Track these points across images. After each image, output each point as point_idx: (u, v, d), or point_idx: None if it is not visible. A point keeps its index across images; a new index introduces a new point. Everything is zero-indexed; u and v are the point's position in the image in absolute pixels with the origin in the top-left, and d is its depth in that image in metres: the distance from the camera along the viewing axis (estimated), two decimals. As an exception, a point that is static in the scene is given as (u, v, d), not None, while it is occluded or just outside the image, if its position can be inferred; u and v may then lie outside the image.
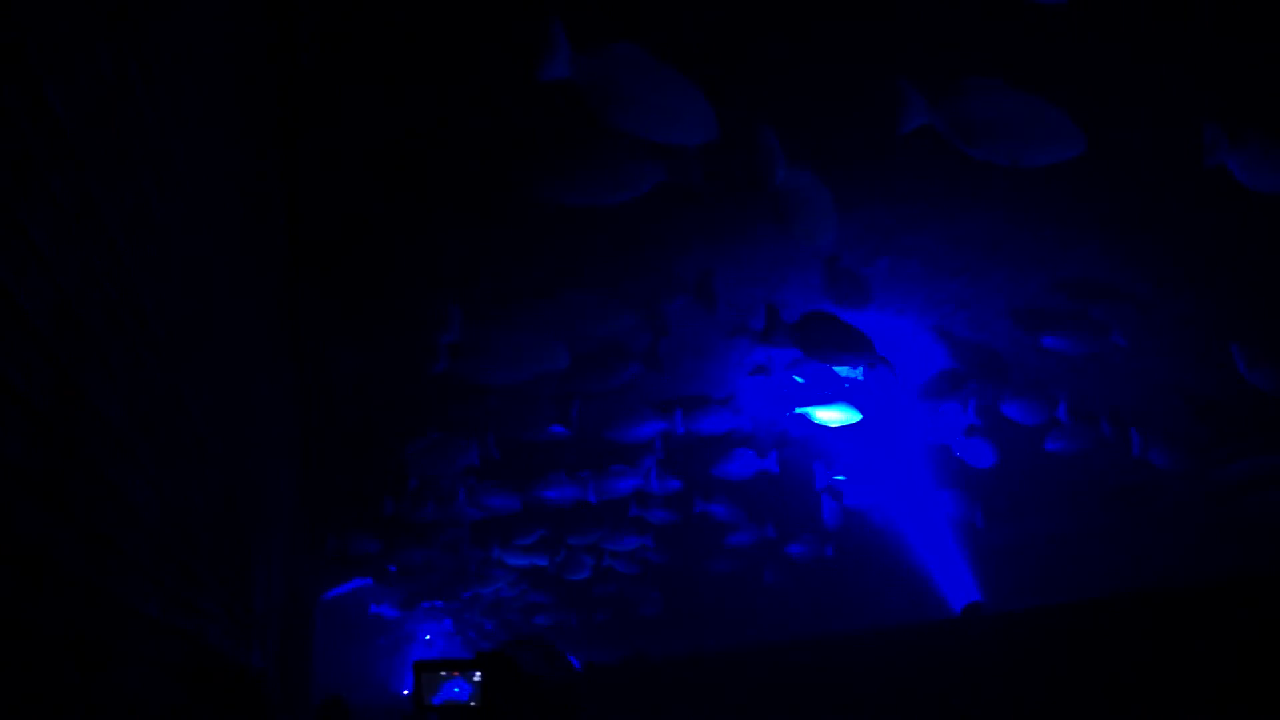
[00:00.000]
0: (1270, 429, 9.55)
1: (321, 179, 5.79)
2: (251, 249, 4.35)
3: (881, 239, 7.55)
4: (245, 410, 4.52)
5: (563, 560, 14.50)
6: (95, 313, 1.91)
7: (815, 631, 15.35)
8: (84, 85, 1.76)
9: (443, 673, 2.04)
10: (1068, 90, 5.06)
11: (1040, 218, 7.30)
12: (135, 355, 2.24)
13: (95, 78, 1.83)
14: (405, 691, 25.56)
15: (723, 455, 10.05)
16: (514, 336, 6.79)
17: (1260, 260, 7.54)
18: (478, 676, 1.98)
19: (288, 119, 4.88)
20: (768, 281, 7.89)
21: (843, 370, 8.22)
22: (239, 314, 4.03)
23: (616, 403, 9.33)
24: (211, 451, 3.51)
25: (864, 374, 8.37)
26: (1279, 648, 6.22)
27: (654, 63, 4.49)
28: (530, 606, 19.51)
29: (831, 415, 8.80)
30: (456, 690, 2.02)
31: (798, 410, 8.75)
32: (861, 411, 8.89)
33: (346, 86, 5.08)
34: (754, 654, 15.80)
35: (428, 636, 26.20)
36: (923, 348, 9.08)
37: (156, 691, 2.64)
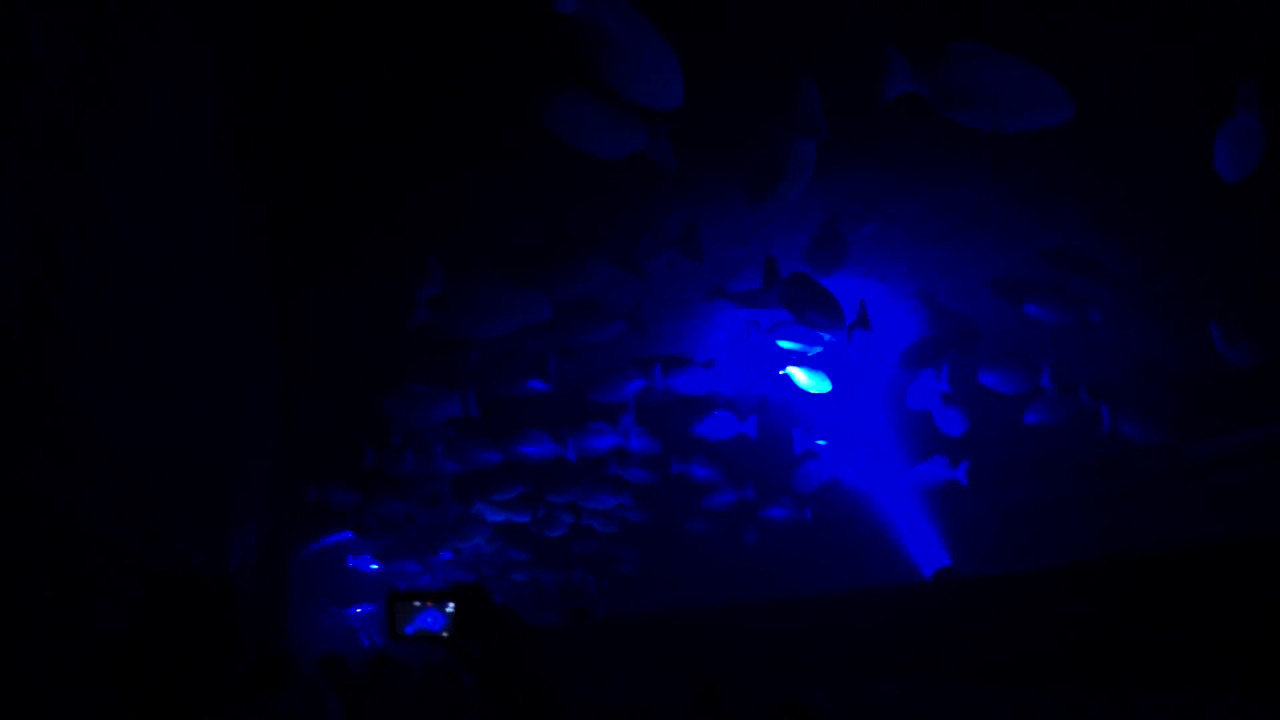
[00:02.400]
0: (1245, 405, 9.66)
1: (304, 124, 5.77)
2: (233, 190, 4.35)
3: (866, 205, 7.58)
4: (224, 353, 4.53)
5: (542, 517, 14.58)
6: (69, 239, 1.92)
7: (791, 592, 15.53)
8: (61, 8, 1.77)
9: (416, 603, 2.07)
10: (1054, 56, 5.06)
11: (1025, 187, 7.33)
12: (110, 287, 2.26)
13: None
14: (366, 643, 25.68)
15: (702, 415, 10.11)
16: (496, 289, 6.80)
17: (1240, 237, 7.60)
18: (451, 608, 2.01)
19: (270, 57, 4.87)
20: (751, 242, 7.92)
21: (815, 339, 8.22)
22: (219, 256, 4.04)
23: (597, 361, 9.37)
24: (189, 391, 3.54)
25: (844, 340, 8.37)
26: (1239, 610, 6.35)
27: (639, 16, 4.50)
28: (508, 563, 19.62)
29: (803, 378, 8.80)
30: (429, 620, 2.04)
31: (784, 371, 8.74)
32: (835, 379, 8.96)
33: (332, 26, 5.06)
34: (725, 612, 15.97)
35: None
36: (904, 314, 9.13)
37: (132, 623, 2.67)
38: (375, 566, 21.61)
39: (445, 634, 2.05)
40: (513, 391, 8.51)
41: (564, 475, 12.55)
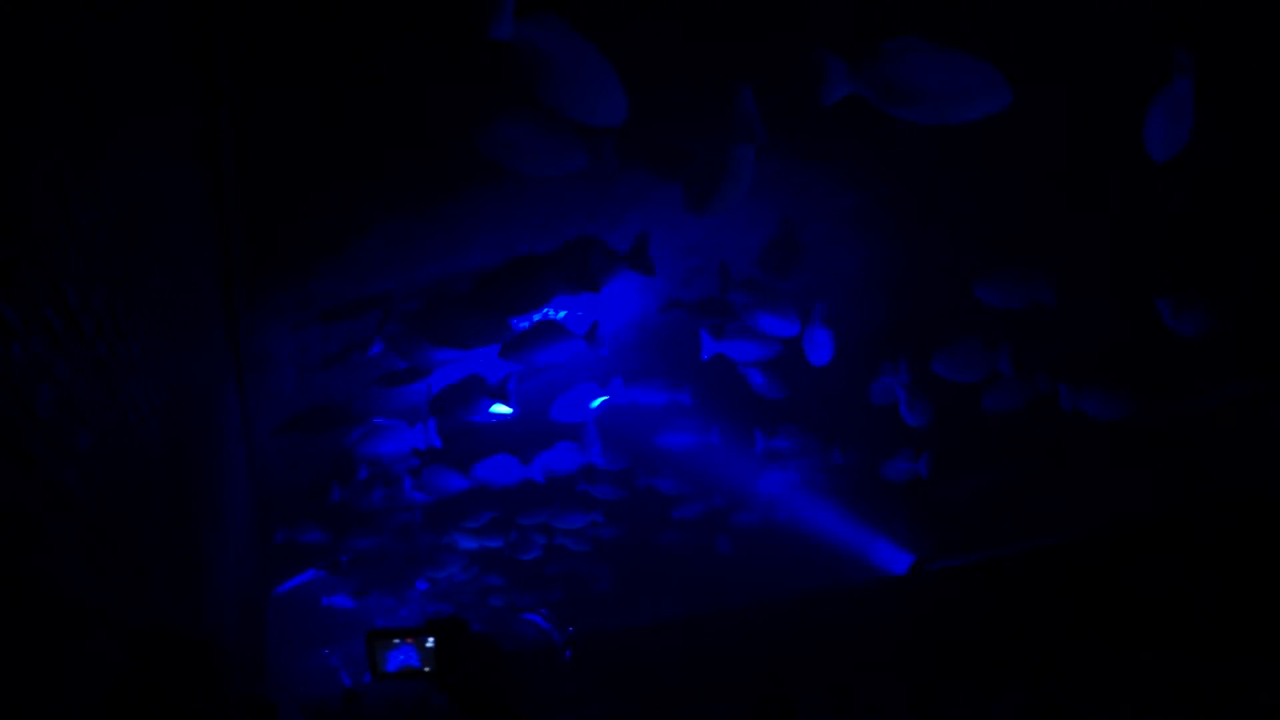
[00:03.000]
0: (1199, 374, 9.80)
1: (255, 163, 5.73)
2: (186, 233, 4.32)
3: (812, 204, 7.64)
4: (186, 405, 4.50)
5: (515, 541, 14.55)
6: (17, 300, 1.91)
7: (768, 597, 15.58)
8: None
9: (395, 640, 2.06)
10: (991, 45, 5.10)
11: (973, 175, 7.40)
12: (64, 342, 2.24)
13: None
14: (348, 682, 25.49)
15: (668, 427, 10.15)
16: (453, 318, 6.80)
17: (1181, 214, 7.72)
18: (430, 642, 2.00)
19: (214, 103, 4.83)
20: (702, 250, 7.96)
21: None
22: (174, 303, 4.01)
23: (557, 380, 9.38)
24: (152, 443, 3.51)
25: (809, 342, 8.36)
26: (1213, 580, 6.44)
27: (576, 36, 4.54)
28: (485, 589, 19.55)
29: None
30: (409, 656, 2.04)
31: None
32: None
33: (281, 62, 5.04)
34: (705, 622, 15.98)
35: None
36: (859, 310, 9.19)
37: (103, 681, 2.65)
38: (351, 603, 21.46)
39: (426, 669, 2.06)
40: (475, 417, 8.49)
41: (534, 497, 12.55)
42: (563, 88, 4.58)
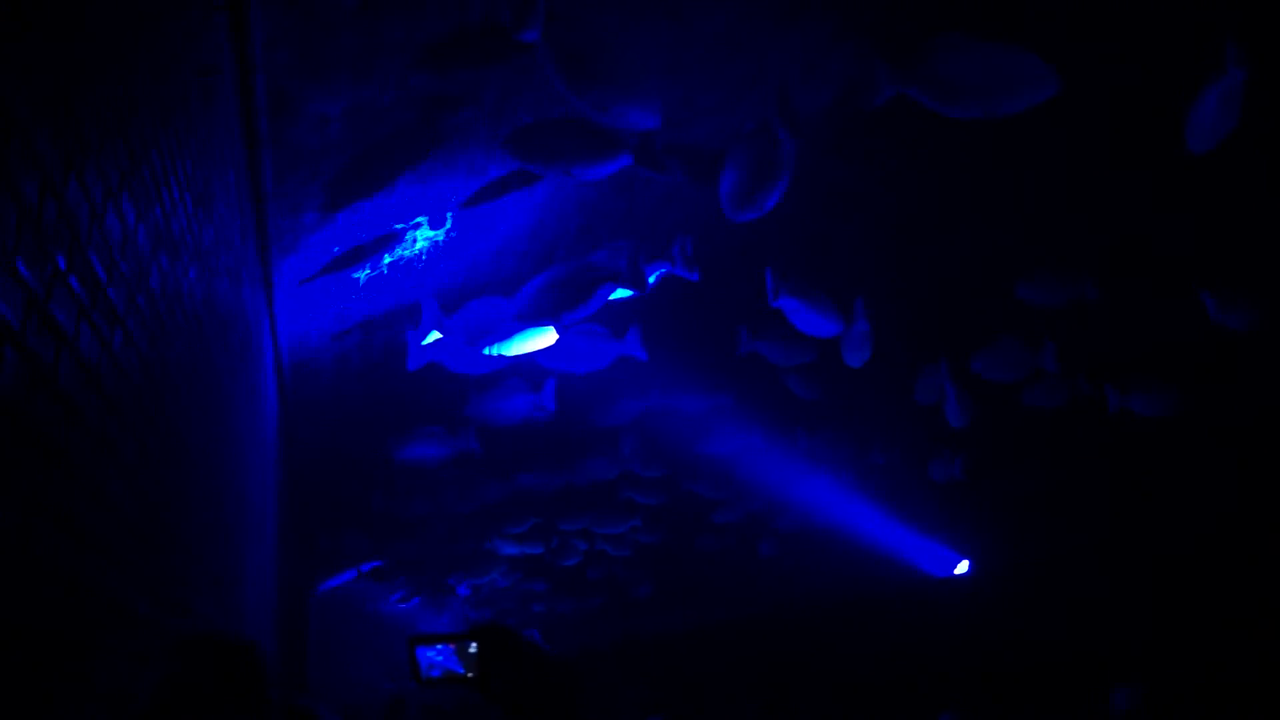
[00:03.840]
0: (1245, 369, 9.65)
1: (291, 169, 5.77)
2: (225, 246, 4.35)
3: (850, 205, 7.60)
4: (229, 409, 4.52)
5: (556, 546, 14.57)
6: (65, 306, 1.92)
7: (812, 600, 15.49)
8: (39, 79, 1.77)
9: (438, 645, 2.05)
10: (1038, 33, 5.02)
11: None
12: (109, 356, 2.25)
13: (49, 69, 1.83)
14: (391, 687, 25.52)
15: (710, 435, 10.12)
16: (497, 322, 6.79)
17: (1222, 206, 7.61)
18: (473, 648, 1.99)
19: (252, 98, 4.85)
20: (737, 253, 7.93)
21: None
22: (216, 315, 4.04)
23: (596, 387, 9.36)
24: (195, 447, 3.53)
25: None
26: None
27: (609, 38, 4.53)
28: (527, 595, 19.59)
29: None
30: (440, 660, 2.03)
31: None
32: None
33: (315, 71, 5.06)
34: (749, 624, 15.90)
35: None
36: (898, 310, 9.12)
37: (155, 687, 2.66)
38: (394, 610, 21.57)
39: (470, 674, 2.03)
40: (513, 421, 8.48)
41: (574, 503, 12.56)
42: (596, 90, 4.57)
